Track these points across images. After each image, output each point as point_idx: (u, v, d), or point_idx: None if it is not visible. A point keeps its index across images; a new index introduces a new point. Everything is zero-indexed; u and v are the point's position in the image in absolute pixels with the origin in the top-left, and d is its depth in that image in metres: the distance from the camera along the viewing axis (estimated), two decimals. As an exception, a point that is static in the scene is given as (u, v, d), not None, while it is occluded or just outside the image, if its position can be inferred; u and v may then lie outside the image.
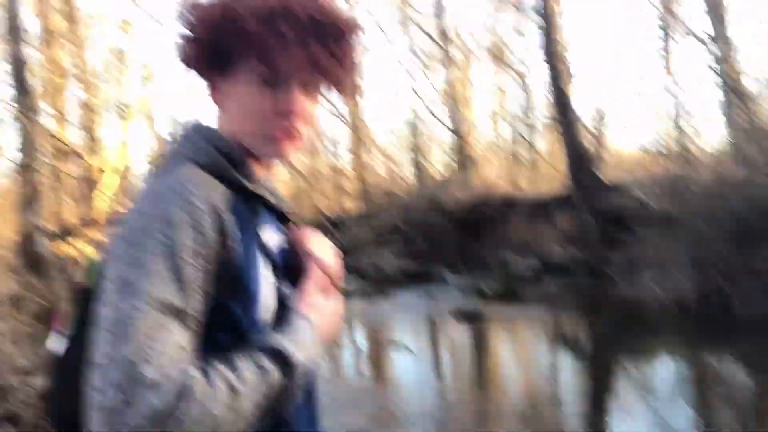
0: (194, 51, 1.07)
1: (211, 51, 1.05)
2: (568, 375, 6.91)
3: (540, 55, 17.17)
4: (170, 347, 0.85)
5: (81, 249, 11.82)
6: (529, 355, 8.05)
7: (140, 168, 27.62)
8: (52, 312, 7.55)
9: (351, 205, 23.83)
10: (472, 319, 9.34)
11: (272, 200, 1.11)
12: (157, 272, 0.88)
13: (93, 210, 12.59)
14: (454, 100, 23.53)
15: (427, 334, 9.43)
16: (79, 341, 1.01)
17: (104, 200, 12.96)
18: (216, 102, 1.11)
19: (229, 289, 0.96)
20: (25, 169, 7.95)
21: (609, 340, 7.92)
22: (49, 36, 13.41)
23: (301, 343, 0.98)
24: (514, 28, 26.71)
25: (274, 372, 0.92)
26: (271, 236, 1.09)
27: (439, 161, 28.74)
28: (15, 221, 8.69)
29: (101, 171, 13.46)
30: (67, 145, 13.67)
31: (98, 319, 0.88)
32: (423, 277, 13.03)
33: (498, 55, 24.63)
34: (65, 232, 11.71)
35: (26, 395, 4.91)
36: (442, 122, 29.49)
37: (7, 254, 8.68)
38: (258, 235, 1.05)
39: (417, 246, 16.21)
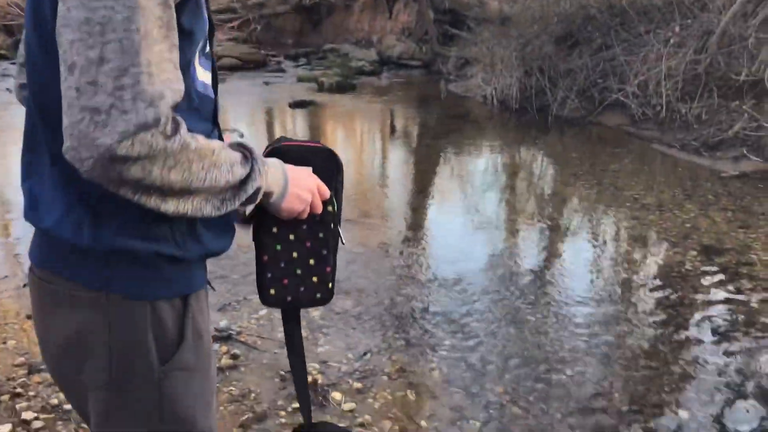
0: None
1: None
2: (396, 162, 7.30)
3: None
4: (170, 64, 0.81)
5: None
6: (359, 144, 8.33)
7: None
8: None
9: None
10: (308, 108, 9.34)
11: None
12: None
13: None
14: None
15: (261, 122, 9.35)
16: None
17: None
18: None
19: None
20: None
21: (437, 132, 8.33)
22: None
23: (270, 169, 1.02)
24: None
25: (244, 165, 0.93)
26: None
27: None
28: None
29: None
30: None
31: (64, 18, 0.78)
32: (259, 64, 12.60)
33: None
34: None
35: None
36: None
37: None
38: None
39: (253, 30, 15.46)
